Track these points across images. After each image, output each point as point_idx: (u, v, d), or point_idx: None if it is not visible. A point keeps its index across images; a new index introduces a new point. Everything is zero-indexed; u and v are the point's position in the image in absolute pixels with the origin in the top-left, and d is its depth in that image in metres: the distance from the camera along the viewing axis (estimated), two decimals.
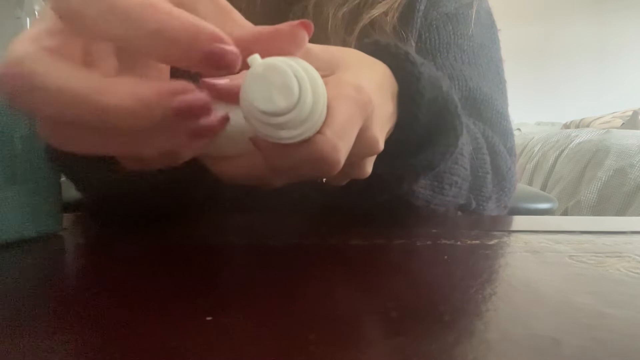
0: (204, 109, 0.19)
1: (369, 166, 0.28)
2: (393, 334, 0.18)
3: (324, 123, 0.22)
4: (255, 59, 0.20)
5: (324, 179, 0.26)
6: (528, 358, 0.16)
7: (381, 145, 0.26)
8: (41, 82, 0.18)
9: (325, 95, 0.21)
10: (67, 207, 0.34)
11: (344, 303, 0.21)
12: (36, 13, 1.25)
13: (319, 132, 0.21)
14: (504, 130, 0.50)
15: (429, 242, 0.31)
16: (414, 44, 0.48)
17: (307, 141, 0.21)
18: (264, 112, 0.20)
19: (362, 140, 0.24)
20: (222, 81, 0.24)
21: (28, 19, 1.25)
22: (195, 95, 0.18)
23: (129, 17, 0.18)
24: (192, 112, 0.18)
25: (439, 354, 0.16)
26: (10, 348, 0.16)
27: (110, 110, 0.18)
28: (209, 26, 0.19)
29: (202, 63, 0.19)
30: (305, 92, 0.20)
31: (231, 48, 0.19)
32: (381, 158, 0.29)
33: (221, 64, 0.19)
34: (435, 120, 0.33)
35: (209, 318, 0.19)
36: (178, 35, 0.18)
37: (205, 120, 0.19)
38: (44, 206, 0.31)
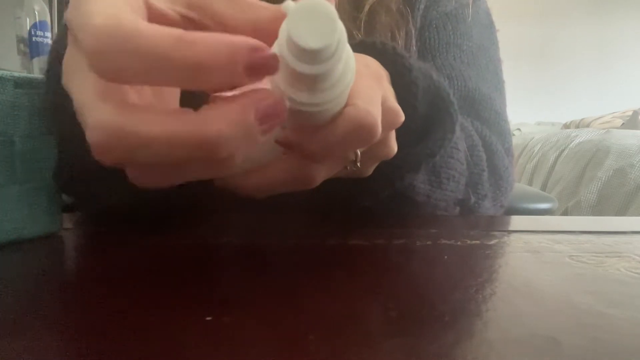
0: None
1: (393, 143, 0.28)
2: (393, 334, 0.18)
3: (350, 96, 0.22)
4: (289, 3, 0.19)
5: (357, 164, 0.26)
6: (528, 358, 0.16)
7: (402, 115, 0.26)
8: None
9: (354, 67, 0.21)
10: (67, 207, 0.34)
11: (344, 303, 0.21)
12: (36, 13, 1.25)
13: (348, 104, 0.22)
14: (501, 130, 0.50)
15: (429, 242, 0.31)
16: (415, 29, 0.48)
17: (340, 115, 0.21)
18: (303, 51, 0.18)
19: (384, 111, 0.24)
20: (231, 93, 0.24)
21: (28, 19, 1.24)
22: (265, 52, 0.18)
23: (159, 58, 0.16)
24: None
25: (439, 354, 0.16)
26: (10, 348, 0.16)
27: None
28: (240, 40, 0.17)
29: (244, 79, 0.18)
30: (342, 45, 0.19)
31: (269, 52, 0.18)
32: None
33: (263, 71, 0.18)
34: (431, 109, 0.33)
35: (209, 318, 0.19)
36: (217, 62, 0.17)
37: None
38: (44, 206, 0.31)
